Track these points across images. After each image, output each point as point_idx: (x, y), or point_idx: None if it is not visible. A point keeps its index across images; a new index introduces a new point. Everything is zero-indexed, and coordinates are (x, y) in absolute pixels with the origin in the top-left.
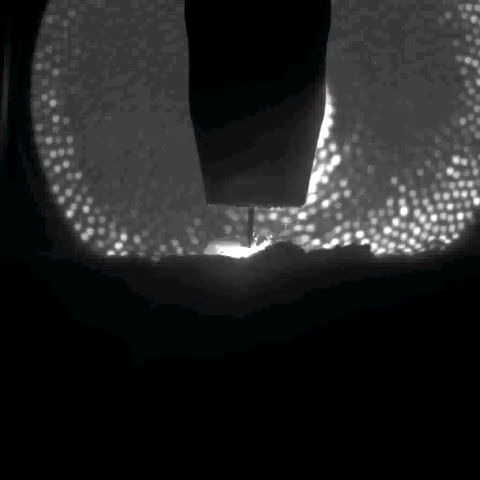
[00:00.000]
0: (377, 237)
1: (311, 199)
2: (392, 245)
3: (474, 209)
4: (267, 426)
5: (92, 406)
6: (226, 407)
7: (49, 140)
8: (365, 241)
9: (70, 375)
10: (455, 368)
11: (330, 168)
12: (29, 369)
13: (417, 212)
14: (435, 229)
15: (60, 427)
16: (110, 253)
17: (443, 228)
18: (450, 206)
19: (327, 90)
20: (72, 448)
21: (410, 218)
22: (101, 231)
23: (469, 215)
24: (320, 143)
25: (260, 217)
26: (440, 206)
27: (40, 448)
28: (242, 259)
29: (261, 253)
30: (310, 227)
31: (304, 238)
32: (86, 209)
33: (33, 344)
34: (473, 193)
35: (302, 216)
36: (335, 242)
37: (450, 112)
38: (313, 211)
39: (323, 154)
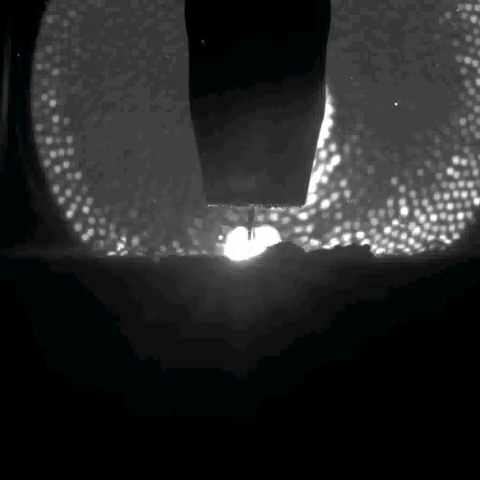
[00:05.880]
0: (377, 237)
1: (311, 199)
2: (392, 245)
3: (474, 209)
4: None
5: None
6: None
7: (49, 140)
8: (365, 241)
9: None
10: (455, 368)
11: (330, 168)
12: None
13: (417, 212)
14: (435, 229)
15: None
16: (110, 253)
17: (443, 228)
18: (450, 206)
19: (327, 90)
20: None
21: (410, 218)
22: (101, 231)
23: (469, 215)
24: (320, 143)
25: (260, 217)
26: (440, 206)
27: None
28: (242, 259)
29: (261, 253)
30: (310, 227)
31: (304, 238)
32: (86, 209)
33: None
34: (473, 193)
35: (302, 216)
36: (335, 242)
37: (450, 112)
38: (313, 211)
39: (323, 154)
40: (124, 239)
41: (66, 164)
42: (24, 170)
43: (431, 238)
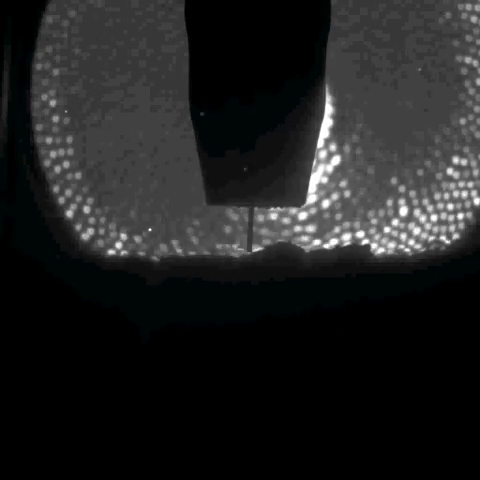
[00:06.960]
0: (377, 237)
1: (311, 199)
2: (392, 245)
3: (474, 209)
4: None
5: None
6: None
7: (49, 140)
8: (365, 241)
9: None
10: (455, 368)
11: (330, 168)
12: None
13: (417, 212)
14: (435, 229)
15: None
16: (110, 253)
17: (443, 228)
18: (450, 206)
19: (327, 90)
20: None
21: (410, 218)
22: (101, 231)
23: (469, 215)
24: (320, 143)
25: (260, 217)
26: (440, 206)
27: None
28: (242, 259)
29: (261, 253)
30: (310, 227)
31: (304, 238)
32: (86, 209)
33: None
34: (473, 193)
35: (302, 216)
36: (335, 242)
37: (450, 112)
38: (313, 211)
39: (323, 154)
40: (124, 238)
41: (66, 164)
42: (24, 170)
43: (431, 239)
